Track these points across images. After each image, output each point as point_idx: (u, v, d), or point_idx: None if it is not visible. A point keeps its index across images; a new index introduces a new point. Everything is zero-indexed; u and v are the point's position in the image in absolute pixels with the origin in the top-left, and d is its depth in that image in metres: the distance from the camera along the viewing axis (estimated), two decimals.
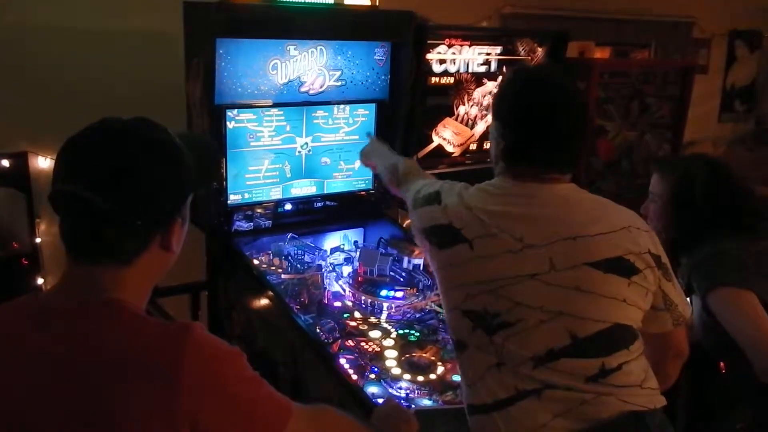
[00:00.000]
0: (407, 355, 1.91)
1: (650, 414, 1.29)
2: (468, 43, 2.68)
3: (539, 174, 1.38)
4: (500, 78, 2.83)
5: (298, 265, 2.21)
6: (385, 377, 1.79)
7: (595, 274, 1.29)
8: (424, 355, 1.91)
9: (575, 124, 1.40)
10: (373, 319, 2.08)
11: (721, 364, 2.05)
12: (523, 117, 1.39)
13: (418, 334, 2.02)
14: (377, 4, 2.33)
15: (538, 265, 1.29)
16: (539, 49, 2.90)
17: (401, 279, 2.25)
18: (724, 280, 1.80)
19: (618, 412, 1.26)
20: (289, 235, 2.28)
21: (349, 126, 2.42)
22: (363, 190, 2.53)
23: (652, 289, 1.36)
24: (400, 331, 2.02)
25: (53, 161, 1.01)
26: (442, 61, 2.63)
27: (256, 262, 2.18)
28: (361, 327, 2.03)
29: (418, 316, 2.10)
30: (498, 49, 2.79)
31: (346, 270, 2.29)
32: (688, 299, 1.48)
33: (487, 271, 1.31)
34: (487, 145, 2.91)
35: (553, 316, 1.28)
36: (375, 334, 2.00)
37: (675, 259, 1.94)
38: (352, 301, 2.16)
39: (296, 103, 2.26)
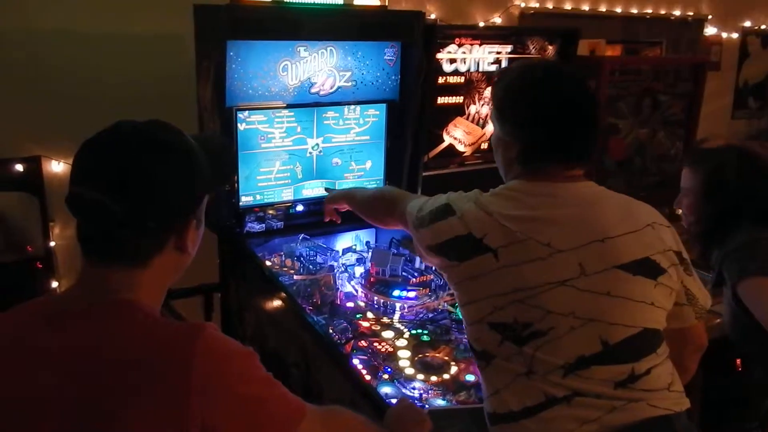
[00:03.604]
0: (420, 355, 1.90)
1: (676, 417, 1.27)
2: (478, 42, 2.68)
3: (559, 172, 1.34)
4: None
5: (310, 266, 2.21)
6: (398, 377, 1.79)
7: (624, 276, 1.27)
8: (437, 355, 1.91)
9: (589, 112, 1.37)
10: (385, 320, 2.07)
11: (738, 361, 2.04)
12: (538, 113, 1.34)
13: (431, 334, 2.02)
14: (386, 4, 2.33)
15: (569, 271, 1.25)
16: (550, 48, 2.89)
17: (413, 279, 2.25)
18: (755, 270, 1.77)
19: (647, 416, 1.24)
20: (301, 236, 2.28)
21: (360, 126, 2.42)
22: None
23: (676, 288, 1.35)
24: (413, 331, 2.02)
25: (66, 165, 1.02)
26: (452, 61, 2.63)
27: (268, 263, 2.18)
28: (373, 327, 2.03)
29: (430, 316, 2.10)
30: (508, 48, 2.78)
31: (359, 270, 2.29)
32: (707, 289, 1.46)
33: (515, 281, 1.25)
34: None
35: (584, 322, 1.24)
36: (388, 334, 2.00)
37: (708, 251, 1.93)
38: (364, 302, 2.16)
39: (307, 104, 2.26)
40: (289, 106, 2.23)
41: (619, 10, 4.21)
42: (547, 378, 1.24)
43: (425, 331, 2.03)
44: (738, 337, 1.88)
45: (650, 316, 1.30)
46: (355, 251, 2.40)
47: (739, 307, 1.80)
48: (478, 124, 2.81)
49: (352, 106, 2.37)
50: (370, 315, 2.10)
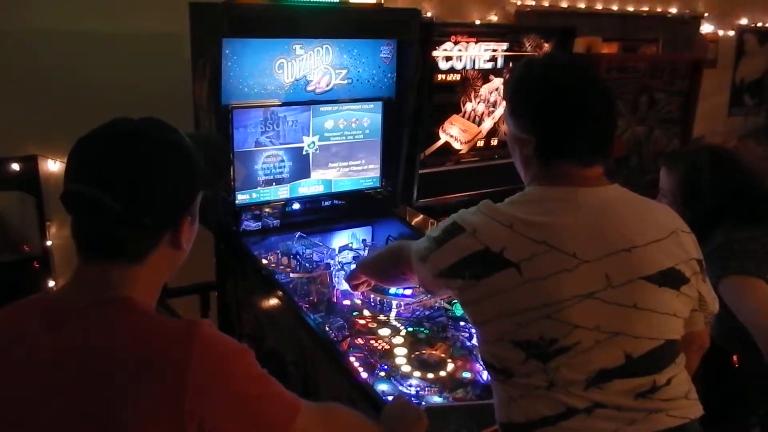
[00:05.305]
0: (417, 353, 1.90)
1: (691, 424, 1.26)
2: (474, 39, 2.68)
3: (577, 171, 1.28)
4: (508, 74, 2.82)
5: (307, 264, 2.21)
6: (394, 375, 1.79)
7: (650, 288, 1.22)
8: (433, 352, 1.91)
9: (607, 104, 1.31)
10: (382, 317, 2.07)
11: (734, 358, 2.04)
12: (555, 103, 1.27)
13: (427, 331, 2.02)
14: (382, 2, 2.33)
15: (595, 283, 1.19)
16: (546, 45, 2.89)
17: None
18: (734, 269, 1.79)
19: (665, 427, 1.22)
20: (298, 234, 2.28)
21: (356, 124, 2.42)
22: (371, 189, 2.53)
23: (695, 296, 1.32)
24: (410, 329, 2.02)
25: (63, 164, 1.02)
26: (448, 58, 2.63)
27: (264, 261, 2.18)
28: (370, 325, 2.03)
29: (427, 313, 2.10)
30: (504, 46, 2.78)
31: None
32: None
33: (541, 295, 1.18)
34: (494, 142, 2.90)
35: (609, 336, 1.19)
36: (384, 331, 2.00)
37: None
38: (361, 300, 2.16)
39: (303, 102, 2.26)
40: (285, 104, 2.23)
41: (615, 8, 4.22)
42: (568, 390, 1.20)
43: (422, 329, 2.03)
44: (721, 337, 1.89)
45: (672, 327, 1.27)
46: (351, 249, 2.40)
47: (721, 307, 1.81)
48: (474, 121, 2.81)
49: (348, 104, 2.37)
50: (366, 312, 2.10)
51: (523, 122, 1.32)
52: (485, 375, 1.80)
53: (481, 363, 1.36)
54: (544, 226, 1.21)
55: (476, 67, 2.73)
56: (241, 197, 2.23)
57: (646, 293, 1.22)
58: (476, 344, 1.93)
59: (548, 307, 1.18)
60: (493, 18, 3.56)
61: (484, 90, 2.79)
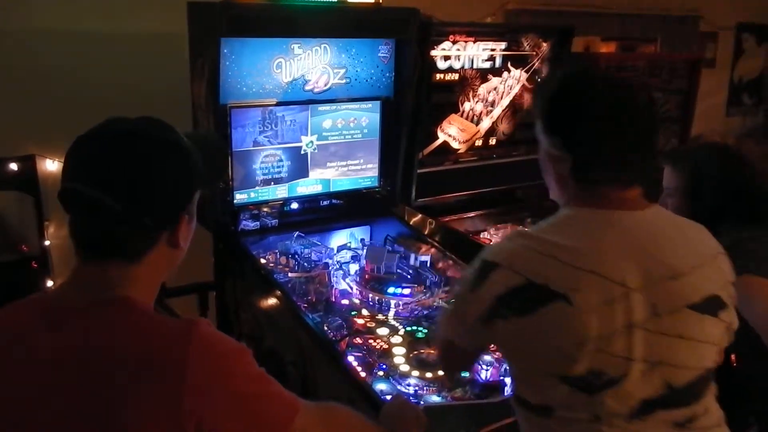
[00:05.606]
0: (415, 352, 1.91)
1: None
2: (472, 39, 2.68)
3: (616, 193, 1.21)
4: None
5: (305, 264, 2.21)
6: (393, 374, 1.79)
7: (694, 317, 1.18)
8: (432, 351, 1.91)
9: (650, 119, 1.24)
10: (380, 317, 2.08)
11: (732, 357, 2.04)
12: (593, 119, 1.20)
13: (425, 330, 2.02)
14: (381, 1, 2.33)
15: (642, 312, 1.14)
16: (544, 45, 2.89)
17: (408, 276, 2.25)
18: (739, 268, 1.78)
19: None
20: (296, 233, 2.28)
21: (354, 124, 2.42)
22: (369, 188, 2.53)
23: (728, 320, 1.27)
24: (408, 328, 2.02)
25: (61, 164, 1.01)
26: (446, 58, 2.63)
27: (263, 261, 2.18)
28: (368, 324, 2.04)
29: (425, 312, 2.10)
30: (503, 45, 2.78)
31: (353, 268, 2.29)
32: None
33: (593, 327, 1.12)
34: (492, 141, 2.90)
35: (653, 366, 1.15)
36: (383, 331, 2.00)
37: None
38: (359, 299, 2.16)
39: (301, 101, 2.26)
40: (283, 104, 2.23)
41: (614, 7, 4.22)
42: (611, 422, 1.16)
43: (420, 328, 2.03)
44: None
45: (710, 355, 1.23)
46: (349, 248, 2.40)
47: None
48: (472, 121, 2.81)
49: (347, 103, 2.38)
50: (365, 312, 2.10)
51: (557, 139, 1.24)
52: (484, 374, 1.81)
53: (512, 401, 1.30)
54: (586, 252, 1.16)
55: (474, 66, 2.73)
56: (240, 197, 2.23)
57: (691, 321, 1.18)
58: None
59: (600, 340, 1.13)
60: (492, 17, 3.57)
61: (483, 89, 2.79)
